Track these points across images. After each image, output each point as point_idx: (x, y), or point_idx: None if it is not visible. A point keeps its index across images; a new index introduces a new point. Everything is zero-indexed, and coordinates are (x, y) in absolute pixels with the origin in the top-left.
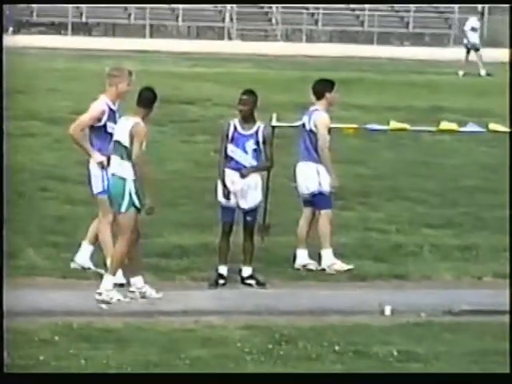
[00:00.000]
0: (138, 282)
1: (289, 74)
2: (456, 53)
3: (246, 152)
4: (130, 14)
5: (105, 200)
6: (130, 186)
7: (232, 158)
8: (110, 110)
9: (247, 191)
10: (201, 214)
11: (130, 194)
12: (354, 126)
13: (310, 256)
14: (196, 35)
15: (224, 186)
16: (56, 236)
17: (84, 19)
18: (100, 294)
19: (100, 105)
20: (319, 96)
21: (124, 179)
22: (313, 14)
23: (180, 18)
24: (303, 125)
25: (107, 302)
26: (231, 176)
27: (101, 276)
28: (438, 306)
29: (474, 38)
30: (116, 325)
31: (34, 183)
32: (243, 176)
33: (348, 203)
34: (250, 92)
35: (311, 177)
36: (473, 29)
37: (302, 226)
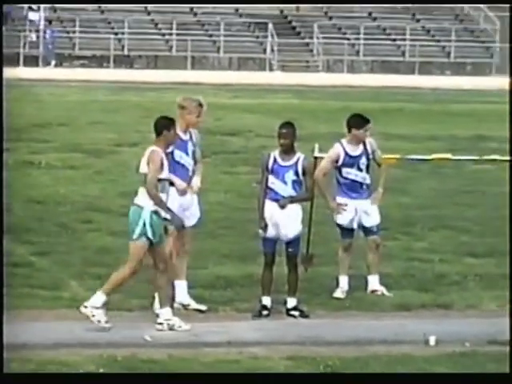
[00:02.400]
0: (166, 313)
1: (330, 105)
2: (498, 82)
3: (285, 183)
4: (171, 46)
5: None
6: (145, 216)
7: (272, 190)
8: (179, 138)
9: (287, 222)
10: (244, 244)
11: (144, 224)
12: (396, 156)
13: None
14: (237, 66)
15: (262, 218)
16: (99, 268)
17: (126, 52)
18: (85, 307)
19: None
20: (348, 130)
21: (141, 207)
22: (354, 45)
23: (221, 50)
24: None
25: (87, 317)
26: (271, 207)
27: (200, 311)
28: (482, 336)
29: None
30: (160, 356)
31: (77, 215)
32: (281, 207)
33: (391, 233)
34: (289, 124)
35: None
36: None
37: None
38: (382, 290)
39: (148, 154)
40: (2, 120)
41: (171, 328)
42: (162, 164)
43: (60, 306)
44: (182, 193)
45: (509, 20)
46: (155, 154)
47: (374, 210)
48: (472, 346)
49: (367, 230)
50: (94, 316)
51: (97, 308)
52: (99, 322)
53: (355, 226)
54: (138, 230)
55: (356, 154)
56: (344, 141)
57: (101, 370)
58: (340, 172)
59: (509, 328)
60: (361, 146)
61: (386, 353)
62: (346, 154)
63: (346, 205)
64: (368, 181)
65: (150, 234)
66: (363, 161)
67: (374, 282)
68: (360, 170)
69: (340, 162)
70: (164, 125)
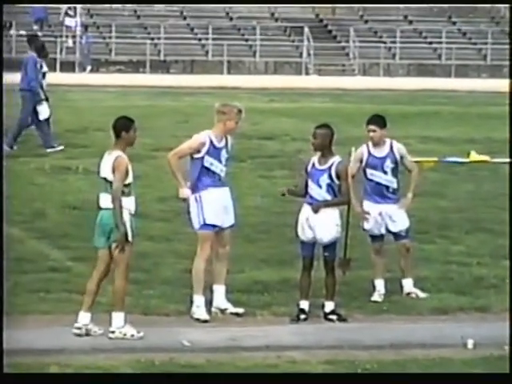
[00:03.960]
0: (84, 318)
1: (367, 108)
2: None
3: (319, 186)
4: (207, 51)
5: (204, 235)
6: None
7: (308, 193)
8: (212, 144)
9: (323, 226)
10: (281, 249)
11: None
12: (434, 159)
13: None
14: (273, 70)
15: (298, 222)
16: (137, 273)
17: (162, 57)
18: (113, 332)
19: (202, 137)
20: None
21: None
22: (390, 48)
23: (257, 54)
24: None
25: (121, 339)
26: (307, 210)
27: (237, 314)
28: None
29: None
30: (198, 361)
31: None
32: (315, 211)
33: (428, 236)
34: (324, 126)
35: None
36: None
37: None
38: (416, 292)
39: (112, 161)
40: (2, 122)
41: (88, 333)
42: (126, 170)
43: (97, 311)
44: (184, 200)
45: (509, 21)
46: (120, 162)
47: (401, 214)
48: (510, 349)
49: (396, 235)
50: (125, 335)
51: (122, 327)
52: (133, 336)
53: (383, 231)
54: (130, 234)
55: (380, 155)
56: (370, 143)
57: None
58: (365, 173)
59: (509, 329)
60: (386, 149)
61: (424, 356)
62: (370, 154)
63: (368, 213)
64: (395, 185)
65: (130, 238)
66: (388, 163)
67: (407, 285)
68: (385, 172)
69: (364, 163)
70: (122, 126)
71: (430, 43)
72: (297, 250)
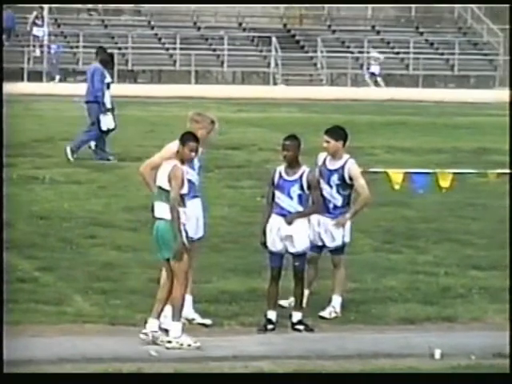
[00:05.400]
0: (153, 325)
1: (334, 118)
2: (501, 94)
3: (290, 197)
4: (175, 61)
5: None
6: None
7: (278, 204)
8: None
9: (295, 236)
10: (248, 259)
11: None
12: (401, 170)
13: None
14: (241, 80)
15: (263, 233)
16: (103, 283)
17: (130, 66)
18: (170, 342)
19: (174, 146)
20: None
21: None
22: (357, 58)
23: (225, 64)
24: None
25: (178, 349)
26: (278, 221)
27: (204, 325)
28: (487, 349)
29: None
30: (166, 370)
31: (80, 230)
32: (288, 223)
33: (395, 246)
34: (293, 137)
35: None
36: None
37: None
38: (335, 311)
39: (170, 170)
40: (2, 135)
41: (154, 341)
42: (183, 180)
43: (64, 321)
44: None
45: (509, 21)
46: (177, 170)
47: (339, 231)
48: (477, 359)
49: (330, 248)
50: (182, 345)
51: (179, 337)
52: (189, 345)
53: (319, 242)
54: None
55: (332, 168)
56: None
57: None
58: None
59: (509, 336)
60: (339, 164)
61: (391, 366)
62: (324, 163)
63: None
64: (338, 202)
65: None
66: (335, 178)
67: (334, 301)
68: (330, 186)
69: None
70: (181, 140)
71: (398, 53)
72: (264, 260)
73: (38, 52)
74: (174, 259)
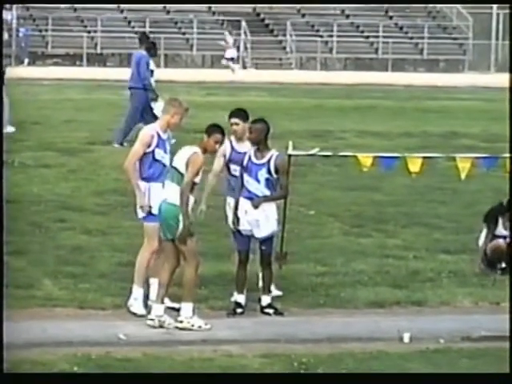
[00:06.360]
0: (158, 309)
1: (304, 102)
2: (471, 78)
3: (258, 181)
4: None
5: (151, 227)
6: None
7: (246, 187)
8: (159, 137)
9: (261, 221)
10: (218, 242)
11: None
12: (370, 154)
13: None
14: (210, 64)
15: (235, 214)
16: (73, 266)
17: (99, 50)
18: (181, 321)
19: (150, 131)
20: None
21: (178, 207)
22: (327, 42)
23: (194, 48)
24: None
25: (189, 330)
26: (245, 205)
27: (174, 309)
28: (456, 332)
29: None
30: (135, 355)
31: (50, 214)
32: (255, 207)
33: (364, 230)
34: (259, 120)
35: None
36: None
37: None
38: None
39: (189, 155)
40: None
41: (161, 325)
42: (200, 168)
43: (33, 305)
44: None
45: (509, 22)
46: (198, 158)
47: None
48: (446, 343)
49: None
50: (193, 326)
51: (191, 317)
52: (200, 327)
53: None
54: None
55: (244, 150)
56: (233, 137)
57: (75, 369)
58: (228, 169)
59: (509, 326)
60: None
61: (361, 350)
62: (233, 149)
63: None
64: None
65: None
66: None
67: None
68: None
69: (227, 158)
70: (207, 130)
71: (367, 37)
72: (233, 244)
73: (6, 35)
74: (179, 242)
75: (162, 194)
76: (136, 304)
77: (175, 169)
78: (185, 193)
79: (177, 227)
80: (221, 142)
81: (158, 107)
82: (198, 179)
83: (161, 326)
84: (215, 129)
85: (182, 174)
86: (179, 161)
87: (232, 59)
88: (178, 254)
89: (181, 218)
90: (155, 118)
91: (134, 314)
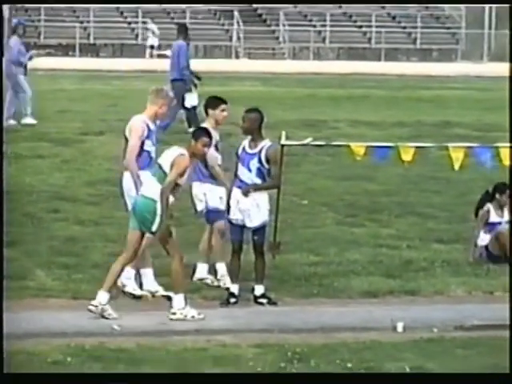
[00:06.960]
0: (103, 298)
1: (297, 92)
2: (464, 67)
3: (249, 170)
4: (137, 35)
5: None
6: (159, 211)
7: (238, 177)
8: (148, 128)
9: (253, 210)
10: None
11: (159, 216)
12: (363, 144)
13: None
14: (203, 54)
15: (228, 203)
16: (66, 257)
17: (92, 40)
18: (174, 313)
19: (141, 122)
20: (206, 113)
21: (155, 201)
22: (320, 32)
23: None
24: None
25: (181, 320)
26: (237, 194)
27: (168, 297)
28: (449, 322)
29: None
30: (128, 345)
31: (43, 204)
32: (244, 194)
33: (358, 220)
34: (253, 110)
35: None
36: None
37: (204, 241)
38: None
39: (175, 156)
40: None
41: (102, 314)
42: (184, 171)
43: (27, 296)
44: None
45: (509, 23)
46: (184, 161)
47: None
48: (439, 332)
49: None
50: (186, 316)
51: (183, 308)
52: (193, 317)
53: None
54: (156, 225)
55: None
56: (206, 124)
57: (68, 359)
58: None
59: (508, 319)
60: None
61: (354, 339)
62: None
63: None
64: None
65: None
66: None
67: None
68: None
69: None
70: (194, 134)
71: (360, 27)
72: (226, 234)
73: None
74: (161, 241)
75: (148, 191)
76: (130, 283)
77: (159, 166)
78: (165, 192)
79: (152, 221)
80: (209, 145)
81: (190, 98)
82: (182, 181)
83: (102, 316)
84: (201, 132)
85: (165, 173)
86: (165, 159)
87: (152, 47)
88: (139, 248)
89: (158, 212)
90: (185, 109)
91: (132, 295)
